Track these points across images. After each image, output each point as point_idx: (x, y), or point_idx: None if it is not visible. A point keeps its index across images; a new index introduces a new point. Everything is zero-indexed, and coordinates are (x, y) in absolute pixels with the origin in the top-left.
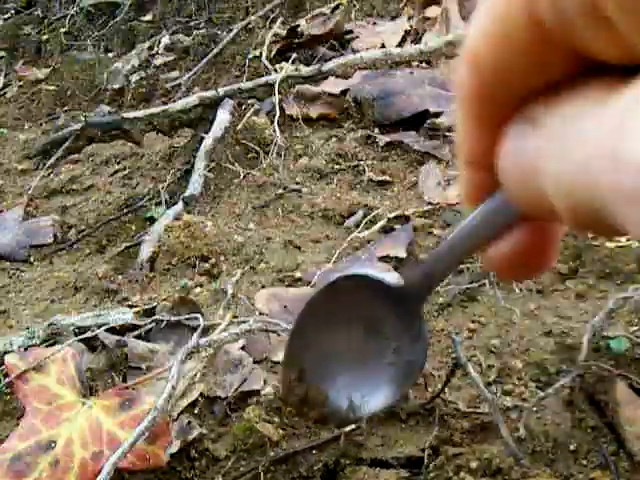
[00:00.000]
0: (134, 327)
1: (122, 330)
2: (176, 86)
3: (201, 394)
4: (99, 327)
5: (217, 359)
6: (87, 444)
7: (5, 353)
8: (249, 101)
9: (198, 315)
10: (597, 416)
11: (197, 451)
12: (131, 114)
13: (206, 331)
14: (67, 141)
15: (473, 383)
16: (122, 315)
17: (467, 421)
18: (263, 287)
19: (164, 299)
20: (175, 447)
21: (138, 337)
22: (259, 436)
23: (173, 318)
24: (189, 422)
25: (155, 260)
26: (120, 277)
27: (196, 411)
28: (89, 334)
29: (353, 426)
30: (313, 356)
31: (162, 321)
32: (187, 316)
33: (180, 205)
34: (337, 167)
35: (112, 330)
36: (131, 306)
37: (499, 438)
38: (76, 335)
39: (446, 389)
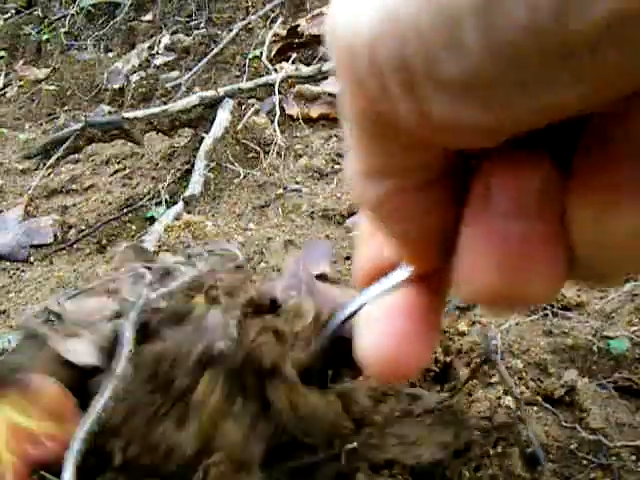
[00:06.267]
0: None
1: None
2: (176, 86)
3: None
4: None
5: None
6: (14, 449)
7: (4, 351)
8: (249, 101)
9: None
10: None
11: None
12: (131, 114)
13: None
14: (67, 141)
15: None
16: None
17: (481, 421)
18: None
19: None
20: None
21: None
22: None
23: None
24: None
25: None
26: None
27: None
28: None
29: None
30: None
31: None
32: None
33: (180, 205)
34: (337, 167)
35: None
36: None
37: (510, 441)
38: None
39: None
